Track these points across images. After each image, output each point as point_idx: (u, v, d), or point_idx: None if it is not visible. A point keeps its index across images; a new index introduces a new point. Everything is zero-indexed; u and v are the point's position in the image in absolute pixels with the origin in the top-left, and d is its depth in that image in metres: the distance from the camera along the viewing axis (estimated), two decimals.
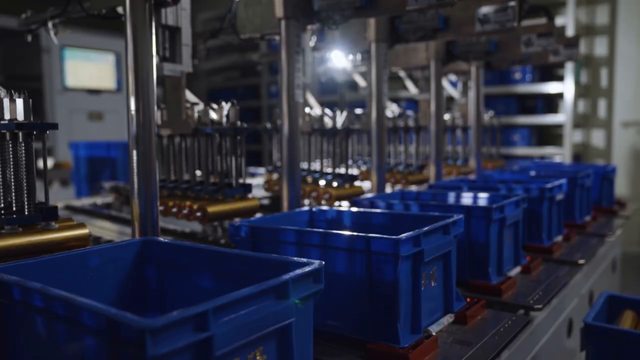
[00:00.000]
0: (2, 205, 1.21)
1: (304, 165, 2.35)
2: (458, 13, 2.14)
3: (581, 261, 1.94)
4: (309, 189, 2.21)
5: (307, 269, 0.88)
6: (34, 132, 1.23)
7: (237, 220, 2.10)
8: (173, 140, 1.85)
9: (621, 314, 1.70)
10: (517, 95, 5.92)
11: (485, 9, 2.06)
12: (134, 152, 1.37)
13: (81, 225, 1.29)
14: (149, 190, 1.39)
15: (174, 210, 1.75)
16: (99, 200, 2.66)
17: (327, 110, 2.29)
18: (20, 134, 1.20)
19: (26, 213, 1.22)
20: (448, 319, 1.33)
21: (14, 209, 1.23)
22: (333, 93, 6.24)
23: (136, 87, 1.35)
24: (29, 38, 1.88)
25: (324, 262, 0.92)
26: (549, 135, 6.09)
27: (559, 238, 2.19)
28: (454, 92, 3.47)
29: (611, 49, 5.95)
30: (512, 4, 1.95)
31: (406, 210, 1.70)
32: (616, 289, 3.23)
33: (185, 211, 1.71)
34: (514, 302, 1.53)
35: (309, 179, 2.28)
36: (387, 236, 1.15)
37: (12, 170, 1.22)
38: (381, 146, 2.21)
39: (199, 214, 1.66)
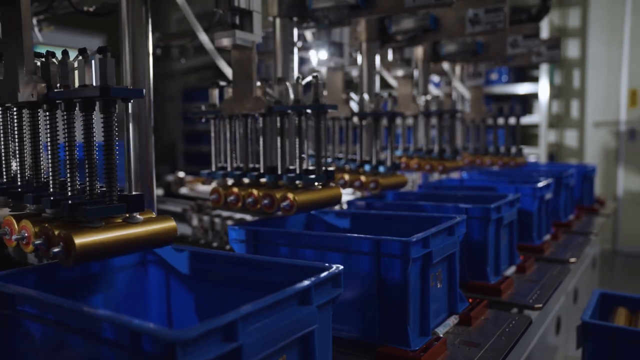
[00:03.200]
0: (88, 192, 0.96)
1: (339, 154, 2.12)
2: (448, 13, 2.14)
3: (572, 260, 1.97)
4: (350, 178, 1.93)
5: (327, 273, 0.86)
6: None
7: (231, 223, 2.06)
8: (235, 121, 1.52)
9: (614, 311, 1.73)
10: (493, 95, 6.01)
11: (476, 10, 2.07)
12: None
13: (167, 218, 1.03)
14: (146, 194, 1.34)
15: (249, 201, 1.43)
16: None
17: (353, 95, 2.13)
18: (99, 103, 0.95)
19: (111, 202, 0.95)
20: (453, 320, 1.32)
21: (90, 196, 0.96)
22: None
23: (133, 85, 1.30)
24: None
25: (342, 267, 0.90)
26: (525, 135, 6.20)
27: (548, 237, 2.22)
28: (438, 92, 3.49)
29: (583, 51, 6.09)
30: (503, 5, 1.96)
31: (399, 210, 1.70)
32: (596, 286, 3.30)
33: (265, 202, 1.40)
34: (514, 301, 1.53)
35: (347, 168, 2.00)
36: (397, 238, 1.13)
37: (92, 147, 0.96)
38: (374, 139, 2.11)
39: (285, 203, 1.36)
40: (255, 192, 1.42)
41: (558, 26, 6.14)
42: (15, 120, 1.08)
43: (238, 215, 2.17)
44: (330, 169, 1.48)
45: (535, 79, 5.66)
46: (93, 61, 0.96)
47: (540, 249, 2.05)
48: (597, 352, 1.53)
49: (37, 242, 0.91)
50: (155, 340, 0.62)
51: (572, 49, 6.16)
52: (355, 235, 1.20)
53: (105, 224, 0.94)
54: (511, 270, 1.77)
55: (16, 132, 1.08)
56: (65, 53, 0.99)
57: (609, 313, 1.73)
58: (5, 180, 1.12)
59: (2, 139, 1.11)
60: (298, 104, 1.43)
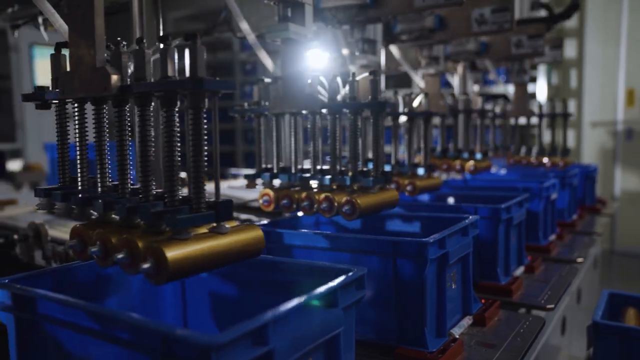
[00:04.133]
0: (168, 198, 0.85)
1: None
2: (454, 13, 2.14)
3: (580, 260, 1.97)
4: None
5: (352, 274, 0.85)
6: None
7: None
8: (281, 120, 1.43)
9: (624, 312, 1.73)
10: (491, 95, 6.02)
11: (482, 10, 2.06)
12: None
13: (253, 226, 0.93)
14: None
15: (305, 204, 1.34)
16: None
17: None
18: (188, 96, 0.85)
19: (199, 210, 0.84)
20: (467, 321, 1.32)
21: (170, 203, 0.84)
22: None
23: None
24: (16, 34, 1.77)
25: (365, 269, 0.89)
26: (521, 136, 6.21)
27: (553, 237, 2.23)
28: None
29: (580, 52, 6.12)
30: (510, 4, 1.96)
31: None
32: (597, 286, 3.31)
33: (324, 205, 1.30)
34: (525, 302, 1.53)
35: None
36: (414, 239, 1.13)
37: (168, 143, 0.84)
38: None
39: (347, 208, 1.27)
40: (316, 196, 1.33)
41: (556, 27, 6.16)
42: (76, 117, 0.97)
43: (244, 216, 2.16)
44: (387, 170, 1.38)
45: (532, 79, 5.68)
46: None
47: (547, 249, 2.05)
48: (608, 353, 1.53)
49: (120, 256, 0.79)
50: (189, 344, 0.61)
51: (569, 49, 6.18)
52: (372, 236, 1.19)
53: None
54: (520, 270, 1.77)
55: (77, 130, 0.97)
56: (140, 41, 0.88)
57: (618, 313, 1.73)
58: (61, 184, 1.01)
59: (60, 138, 1.01)
60: (355, 102, 1.33)
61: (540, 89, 5.56)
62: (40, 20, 1.69)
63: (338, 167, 1.38)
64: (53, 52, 0.99)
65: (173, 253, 0.75)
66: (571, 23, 6.16)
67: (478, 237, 1.60)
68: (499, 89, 5.84)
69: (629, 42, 5.86)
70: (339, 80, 1.37)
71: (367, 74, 1.38)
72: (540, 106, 2.72)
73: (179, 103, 0.85)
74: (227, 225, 0.87)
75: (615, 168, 5.92)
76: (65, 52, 0.98)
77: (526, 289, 1.64)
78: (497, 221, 1.58)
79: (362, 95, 1.43)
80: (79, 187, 0.98)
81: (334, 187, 1.37)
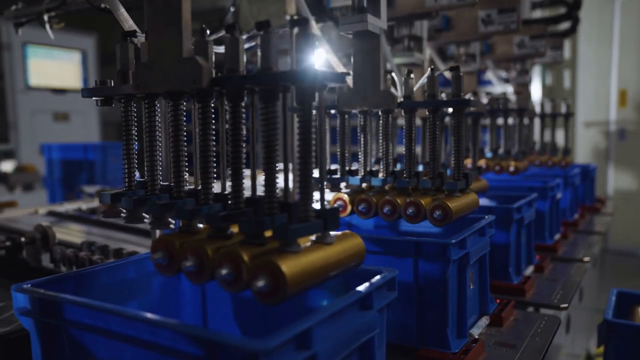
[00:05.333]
0: (266, 204, 0.77)
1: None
2: (460, 13, 2.14)
3: (586, 259, 1.98)
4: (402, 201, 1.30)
5: (385, 275, 0.84)
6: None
7: None
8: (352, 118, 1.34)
9: (633, 310, 1.74)
10: (493, 95, 6.04)
11: (488, 11, 2.07)
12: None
13: (352, 234, 0.87)
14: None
15: (386, 210, 1.26)
16: (84, 205, 2.51)
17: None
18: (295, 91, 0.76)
19: (307, 219, 0.76)
20: (485, 321, 1.31)
21: (268, 210, 0.77)
22: None
23: None
24: (19, 32, 1.74)
25: (397, 270, 0.88)
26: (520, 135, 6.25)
27: (558, 236, 2.23)
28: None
29: (573, 52, 6.16)
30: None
31: None
32: (596, 284, 3.34)
33: (410, 211, 1.23)
34: (539, 302, 1.53)
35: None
36: (436, 240, 1.12)
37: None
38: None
39: (438, 213, 1.21)
40: (398, 200, 1.25)
41: (550, 28, 6.20)
42: (147, 113, 0.88)
43: None
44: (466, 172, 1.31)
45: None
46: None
47: (553, 249, 2.05)
48: (621, 351, 1.53)
49: (223, 272, 0.70)
50: (236, 351, 0.59)
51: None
52: (393, 237, 1.18)
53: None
54: (530, 270, 1.77)
55: (147, 128, 0.88)
56: (233, 28, 0.77)
57: (627, 312, 1.74)
58: (126, 189, 0.93)
59: (126, 137, 0.93)
60: (434, 99, 1.24)
61: (535, 90, 5.60)
62: (46, 17, 1.66)
63: (410, 169, 1.29)
64: (120, 41, 0.90)
65: (290, 268, 0.67)
66: (564, 24, 6.21)
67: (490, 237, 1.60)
68: (495, 89, 5.87)
69: (621, 43, 5.91)
70: (412, 77, 1.29)
71: (447, 70, 1.29)
72: (542, 105, 2.73)
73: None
74: (332, 235, 0.80)
75: (608, 168, 5.97)
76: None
77: (537, 289, 1.64)
78: (509, 221, 1.58)
79: (417, 94, 1.36)
80: (149, 192, 0.89)
81: (410, 190, 1.30)
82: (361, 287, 0.78)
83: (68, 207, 2.48)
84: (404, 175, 1.31)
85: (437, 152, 1.28)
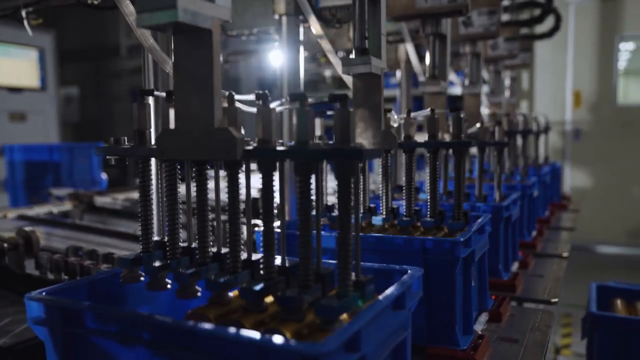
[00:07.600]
0: (301, 276, 0.75)
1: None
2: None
3: (565, 254, 2.05)
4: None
5: (413, 274, 0.84)
6: None
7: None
8: None
9: (613, 303, 1.82)
10: (448, 96, 6.18)
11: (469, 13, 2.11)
12: None
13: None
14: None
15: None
16: (54, 208, 2.41)
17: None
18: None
19: (346, 293, 0.74)
20: (485, 317, 1.34)
21: (303, 282, 0.75)
22: None
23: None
24: None
25: (422, 269, 0.89)
26: None
27: (534, 233, 2.31)
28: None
29: (531, 54, 6.39)
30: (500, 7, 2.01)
31: None
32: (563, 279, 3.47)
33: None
34: (530, 297, 1.58)
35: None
36: (445, 238, 1.13)
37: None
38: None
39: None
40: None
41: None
42: (167, 177, 0.85)
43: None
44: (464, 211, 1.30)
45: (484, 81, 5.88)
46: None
47: (532, 245, 2.12)
48: (605, 342, 1.60)
49: None
50: (290, 357, 0.58)
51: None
52: (401, 236, 1.19)
53: None
54: (515, 266, 1.82)
55: (167, 192, 0.86)
56: (265, 97, 0.76)
57: (607, 304, 1.82)
58: (143, 251, 0.89)
59: (143, 198, 0.89)
60: (435, 140, 1.25)
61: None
62: (23, 13, 1.58)
63: (410, 208, 1.29)
64: (138, 100, 0.86)
65: None
66: (522, 29, 6.43)
67: None
68: (457, 90, 6.01)
69: (575, 47, 6.17)
70: (412, 115, 1.29)
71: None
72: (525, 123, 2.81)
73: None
74: None
75: (564, 166, 6.22)
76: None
77: (525, 284, 1.69)
78: (499, 219, 1.62)
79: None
80: (170, 256, 0.86)
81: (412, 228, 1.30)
82: (393, 288, 0.78)
83: (38, 210, 2.37)
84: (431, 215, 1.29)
85: (437, 191, 1.28)
